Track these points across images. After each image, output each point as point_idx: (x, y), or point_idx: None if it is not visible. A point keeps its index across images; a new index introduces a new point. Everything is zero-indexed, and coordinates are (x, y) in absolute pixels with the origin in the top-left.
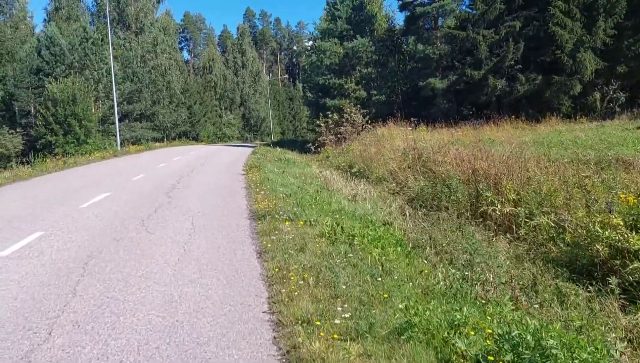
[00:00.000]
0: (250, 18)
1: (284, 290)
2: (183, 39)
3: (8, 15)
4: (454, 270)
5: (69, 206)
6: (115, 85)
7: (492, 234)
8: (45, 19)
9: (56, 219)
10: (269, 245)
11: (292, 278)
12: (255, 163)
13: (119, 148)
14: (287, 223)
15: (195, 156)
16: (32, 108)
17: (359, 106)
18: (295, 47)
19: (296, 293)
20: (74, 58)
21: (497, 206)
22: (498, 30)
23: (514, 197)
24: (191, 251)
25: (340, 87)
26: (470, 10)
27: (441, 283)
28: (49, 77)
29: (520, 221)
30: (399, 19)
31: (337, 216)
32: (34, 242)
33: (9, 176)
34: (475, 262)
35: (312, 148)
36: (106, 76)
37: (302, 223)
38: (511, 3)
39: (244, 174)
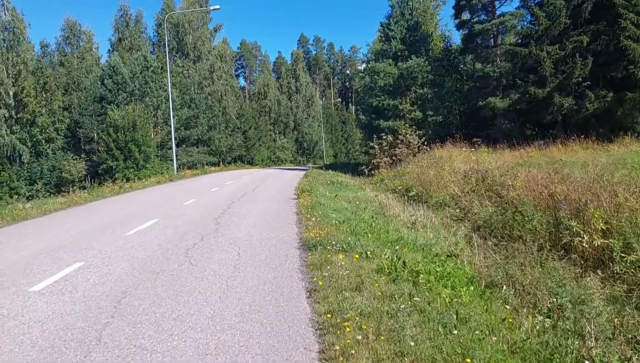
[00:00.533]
0: (304, 44)
1: (337, 345)
2: (239, 66)
3: (75, 47)
4: (541, 317)
5: (115, 234)
6: (173, 111)
7: (580, 270)
8: (109, 50)
9: (100, 249)
10: (320, 283)
11: (347, 328)
12: (307, 186)
13: (175, 173)
14: (340, 255)
15: (248, 181)
16: (95, 135)
17: (414, 127)
18: (348, 71)
19: (353, 350)
20: (135, 86)
21: (584, 238)
22: (563, 46)
23: (603, 226)
24: (234, 287)
25: (394, 108)
26: (533, 26)
27: (530, 337)
28: (112, 104)
29: (615, 255)
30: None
31: (397, 246)
32: (71, 275)
33: (65, 201)
34: (566, 306)
35: (366, 170)
36: (165, 103)
37: (357, 256)
38: (577, 17)
39: (295, 199)
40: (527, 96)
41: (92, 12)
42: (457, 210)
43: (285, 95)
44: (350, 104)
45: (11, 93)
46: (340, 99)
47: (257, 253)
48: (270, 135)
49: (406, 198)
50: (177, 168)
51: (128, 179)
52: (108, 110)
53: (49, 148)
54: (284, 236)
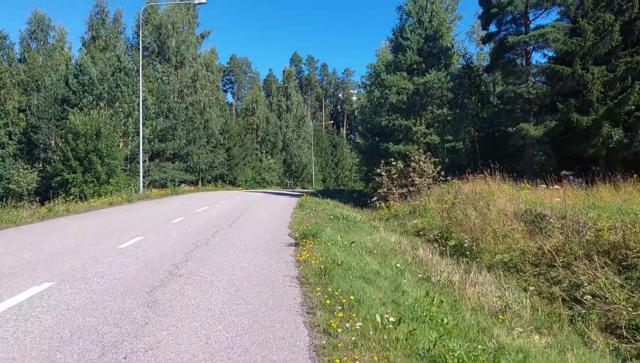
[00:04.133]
0: (297, 63)
1: None
2: (228, 82)
3: (42, 43)
4: None
5: None
6: (144, 119)
7: None
8: (80, 49)
9: None
10: None
11: None
12: (307, 223)
13: (141, 191)
14: None
15: (226, 209)
16: (53, 142)
17: (429, 153)
18: (340, 95)
19: None
20: (104, 89)
21: None
22: (612, 67)
23: None
24: None
25: (407, 130)
26: (577, 41)
27: None
28: (75, 108)
29: None
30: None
31: None
32: None
33: None
34: None
35: (377, 202)
36: (138, 110)
37: None
38: (628, 35)
39: (294, 247)
40: (569, 123)
41: (68, 10)
42: (548, 283)
43: (275, 113)
44: (341, 128)
45: None
46: (332, 122)
47: None
48: (257, 154)
49: (441, 246)
50: (147, 185)
51: (83, 197)
52: (70, 114)
53: None
54: None
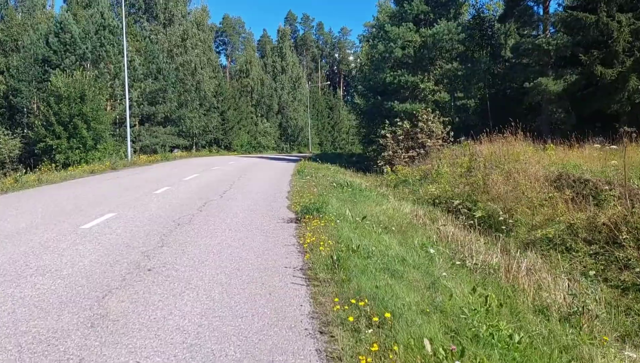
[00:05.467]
0: (292, 22)
1: None
2: (221, 43)
3: (20, 0)
4: None
5: None
6: (132, 80)
7: None
8: (62, 6)
9: None
10: None
11: None
12: (309, 194)
13: (129, 157)
14: None
15: (218, 176)
16: (35, 106)
17: (437, 112)
18: (337, 55)
19: None
20: (87, 48)
21: None
22: (638, 15)
23: None
24: None
25: (414, 87)
26: None
27: None
28: (57, 69)
29: None
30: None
31: None
32: None
33: None
34: None
35: (381, 167)
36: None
37: None
38: None
39: (295, 225)
40: (589, 78)
41: None
42: (611, 266)
43: (270, 75)
44: (338, 89)
45: None
46: (329, 83)
47: None
48: (252, 118)
49: (464, 218)
50: (134, 152)
51: (67, 165)
52: (51, 76)
53: None
54: None
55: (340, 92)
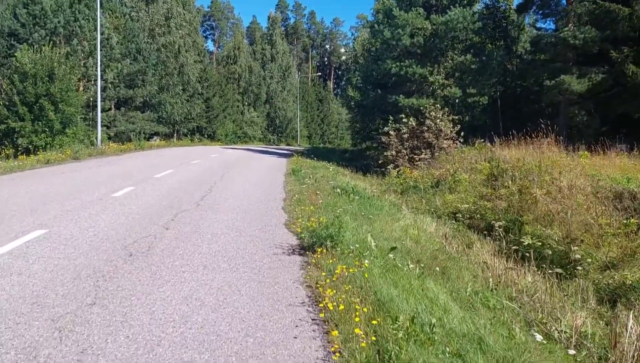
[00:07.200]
0: (283, 9)
1: None
2: (209, 27)
3: None
4: None
5: None
6: (105, 59)
7: None
8: None
9: None
10: None
11: None
12: (311, 205)
13: (99, 144)
14: None
15: (197, 173)
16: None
17: (446, 109)
18: (328, 46)
19: None
20: (59, 22)
21: None
22: None
23: None
24: None
25: (422, 80)
26: None
27: None
28: (25, 44)
29: None
30: None
31: None
32: None
33: None
34: None
35: (388, 168)
36: (101, 50)
37: None
38: None
39: (299, 259)
40: (616, 77)
41: None
42: None
43: (259, 62)
44: (328, 81)
45: None
46: (319, 74)
47: None
48: (238, 106)
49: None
50: (109, 138)
51: (31, 149)
52: (17, 51)
53: None
54: None
55: (331, 85)
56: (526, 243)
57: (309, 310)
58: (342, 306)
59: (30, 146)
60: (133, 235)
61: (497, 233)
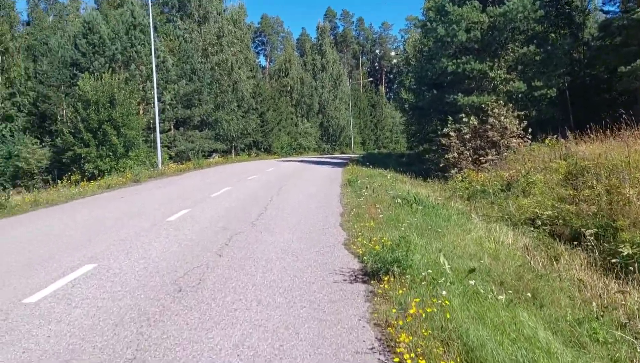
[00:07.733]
0: (331, 18)
1: None
2: (260, 43)
3: (51, 2)
4: None
5: None
6: (164, 82)
7: None
8: (91, 6)
9: None
10: None
11: None
12: (370, 220)
13: (159, 166)
14: None
15: (254, 190)
16: (64, 112)
17: (510, 105)
18: (378, 51)
19: None
20: (117, 49)
21: None
22: None
23: None
24: None
25: (481, 76)
26: None
27: None
28: (86, 72)
29: None
30: None
31: None
32: None
33: None
34: None
35: (452, 173)
36: (158, 73)
37: None
38: None
39: (363, 287)
40: None
41: None
42: None
43: (310, 73)
44: (380, 86)
45: None
46: (371, 79)
47: None
48: (292, 118)
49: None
50: (170, 158)
51: (96, 174)
52: (79, 80)
53: (5, 128)
54: None
55: (383, 89)
56: (625, 253)
57: (380, 359)
58: (422, 362)
59: (95, 171)
60: (185, 265)
61: (587, 242)
